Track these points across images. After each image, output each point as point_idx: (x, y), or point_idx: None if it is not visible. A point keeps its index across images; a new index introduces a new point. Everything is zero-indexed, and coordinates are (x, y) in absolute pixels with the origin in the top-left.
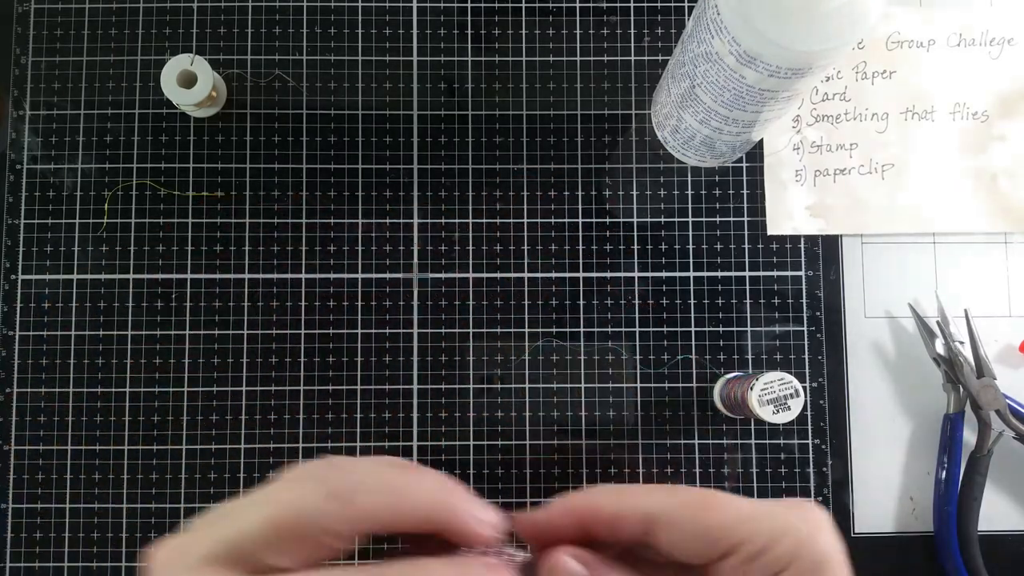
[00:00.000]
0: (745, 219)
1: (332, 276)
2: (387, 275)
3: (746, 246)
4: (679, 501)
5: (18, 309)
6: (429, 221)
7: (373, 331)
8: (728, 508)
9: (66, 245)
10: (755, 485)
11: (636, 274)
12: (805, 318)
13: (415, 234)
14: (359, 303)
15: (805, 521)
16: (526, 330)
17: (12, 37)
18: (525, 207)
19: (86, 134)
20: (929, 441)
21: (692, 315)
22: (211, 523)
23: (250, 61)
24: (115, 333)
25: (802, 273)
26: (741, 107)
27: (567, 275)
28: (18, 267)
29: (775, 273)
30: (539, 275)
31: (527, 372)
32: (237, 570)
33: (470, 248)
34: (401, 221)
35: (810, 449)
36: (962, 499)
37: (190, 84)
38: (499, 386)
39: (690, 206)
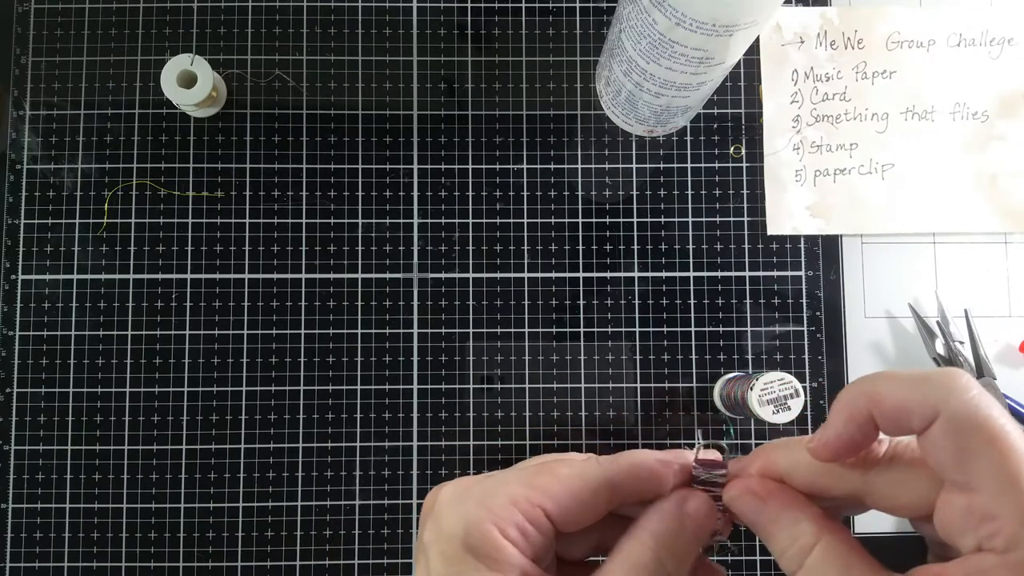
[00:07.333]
0: (745, 219)
1: (332, 276)
2: (387, 275)
3: (746, 246)
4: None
5: (18, 309)
6: (429, 221)
7: (373, 331)
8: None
9: (66, 245)
10: None
11: (636, 274)
12: (805, 318)
13: (415, 234)
14: (359, 303)
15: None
16: (526, 330)
17: (12, 37)
18: (525, 207)
19: (86, 134)
20: None
21: (692, 315)
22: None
23: (250, 61)
24: (115, 333)
25: (802, 273)
26: (656, 60)
27: (567, 275)
28: (18, 267)
29: (775, 273)
30: (539, 275)
31: (527, 372)
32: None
33: (470, 248)
34: (401, 221)
35: None
36: None
37: (190, 84)
38: (499, 386)
39: (690, 206)
